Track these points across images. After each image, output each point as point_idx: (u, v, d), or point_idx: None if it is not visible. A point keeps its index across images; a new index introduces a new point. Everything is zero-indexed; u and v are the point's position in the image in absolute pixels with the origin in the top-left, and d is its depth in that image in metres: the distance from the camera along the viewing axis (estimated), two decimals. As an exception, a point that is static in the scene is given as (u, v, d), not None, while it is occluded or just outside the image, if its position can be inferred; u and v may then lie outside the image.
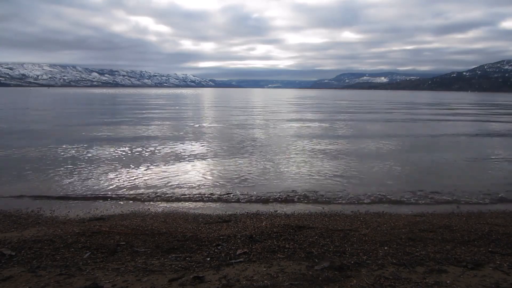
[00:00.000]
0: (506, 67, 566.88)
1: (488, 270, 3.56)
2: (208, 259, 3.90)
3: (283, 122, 20.71)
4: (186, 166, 10.81)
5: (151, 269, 3.60)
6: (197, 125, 21.04)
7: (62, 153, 12.51)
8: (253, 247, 4.26)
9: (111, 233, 4.86)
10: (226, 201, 7.61)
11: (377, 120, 26.24)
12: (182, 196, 7.87)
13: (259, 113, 33.18)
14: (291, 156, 12.42)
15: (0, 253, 3.97)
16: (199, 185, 8.74)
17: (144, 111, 34.80)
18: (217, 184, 8.85)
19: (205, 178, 9.42)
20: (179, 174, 9.79)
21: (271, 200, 7.65)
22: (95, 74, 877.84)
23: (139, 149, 13.57)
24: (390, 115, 33.19)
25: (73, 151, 12.89)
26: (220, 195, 7.97)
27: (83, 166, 10.57)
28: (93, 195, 7.86)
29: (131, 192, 8.10)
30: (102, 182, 8.90)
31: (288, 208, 7.07)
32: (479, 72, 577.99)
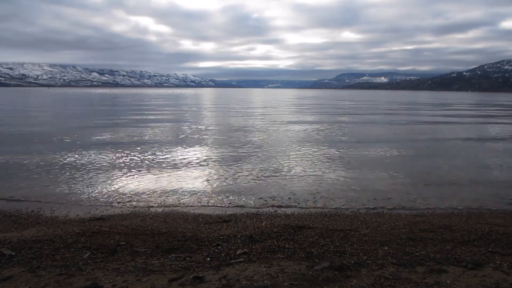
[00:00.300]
0: (506, 67, 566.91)
1: (488, 270, 3.55)
2: (208, 259, 3.90)
3: (284, 124, 20.64)
4: (186, 167, 10.80)
5: (151, 269, 3.60)
6: (196, 127, 21.02)
7: (62, 154, 12.50)
8: (253, 247, 4.26)
9: (111, 233, 4.86)
10: (226, 201, 7.61)
11: (379, 122, 25.18)
12: (182, 196, 7.87)
13: (259, 115, 33.19)
14: (291, 160, 12.41)
15: (0, 253, 3.97)
16: (199, 185, 8.74)
17: (144, 112, 34.81)
18: (217, 185, 8.85)
19: (205, 178, 9.41)
20: (179, 174, 9.79)
21: (270, 202, 7.65)
22: (95, 74, 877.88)
23: (139, 149, 13.57)
24: (392, 116, 31.98)
25: (73, 152, 12.89)
26: (220, 195, 7.98)
27: (83, 166, 10.56)
28: (93, 195, 7.86)
29: (131, 192, 8.10)
30: (102, 182, 8.89)
31: (288, 208, 7.08)
32: (479, 72, 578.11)
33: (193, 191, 8.26)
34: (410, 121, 26.67)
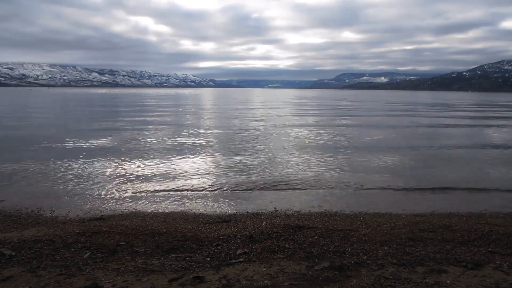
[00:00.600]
0: (506, 67, 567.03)
1: (488, 270, 3.55)
2: (208, 259, 3.90)
3: (284, 127, 20.52)
4: (186, 168, 10.81)
5: (151, 269, 3.60)
6: (195, 131, 20.99)
7: (63, 155, 12.51)
8: (253, 247, 4.25)
9: (111, 233, 4.86)
10: (226, 201, 7.61)
11: (380, 125, 23.79)
12: (182, 196, 7.87)
13: (260, 116, 33.21)
14: (290, 163, 12.39)
15: (0, 253, 3.97)
16: (199, 186, 8.75)
17: (143, 113, 34.82)
18: (218, 185, 8.85)
19: (205, 178, 9.42)
20: (180, 175, 9.79)
21: (270, 202, 7.65)
22: (95, 74, 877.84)
23: (139, 150, 13.58)
24: (395, 118, 30.31)
25: (73, 152, 12.90)
26: (220, 196, 7.98)
27: (83, 167, 10.56)
28: (93, 196, 7.86)
29: (132, 193, 8.10)
30: (102, 183, 8.90)
31: (288, 209, 7.07)
32: (479, 72, 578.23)
33: (193, 191, 8.26)
34: (412, 123, 26.15)
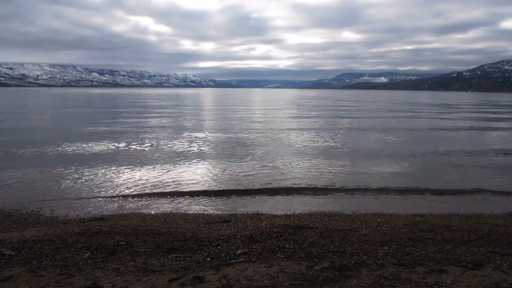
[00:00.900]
0: (506, 67, 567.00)
1: (488, 270, 3.55)
2: (208, 259, 3.90)
3: (284, 129, 20.44)
4: (186, 168, 10.81)
5: (151, 269, 3.60)
6: (195, 131, 20.97)
7: (63, 155, 12.51)
8: (253, 247, 4.25)
9: (111, 233, 4.86)
10: (226, 201, 7.61)
11: (381, 128, 22.40)
12: (182, 196, 7.87)
13: (259, 117, 33.23)
14: (292, 167, 12.39)
15: (0, 253, 3.97)
16: (200, 186, 8.75)
17: (143, 114, 34.82)
18: (217, 186, 8.85)
19: (205, 179, 9.42)
20: (180, 176, 9.79)
21: (270, 202, 7.65)
22: (95, 74, 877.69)
23: (139, 151, 13.57)
24: (395, 120, 28.75)
25: (73, 153, 12.89)
26: (220, 196, 7.98)
27: (83, 167, 10.56)
28: (93, 196, 7.86)
29: (131, 193, 8.10)
30: (102, 183, 8.90)
31: (288, 208, 7.08)
32: (479, 72, 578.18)
33: (193, 191, 8.26)
34: (412, 124, 25.80)
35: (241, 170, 10.19)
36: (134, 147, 14.01)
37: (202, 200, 7.67)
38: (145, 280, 3.32)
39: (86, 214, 6.68)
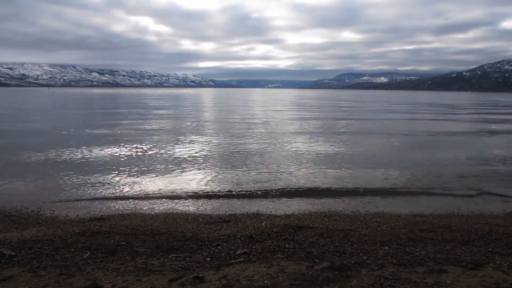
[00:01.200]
0: (506, 67, 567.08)
1: (488, 270, 3.55)
2: (208, 259, 3.90)
3: (284, 130, 20.40)
4: (186, 168, 10.81)
5: (151, 269, 3.60)
6: (195, 131, 20.99)
7: (63, 156, 12.51)
8: (253, 247, 4.25)
9: (111, 233, 4.86)
10: (226, 201, 7.61)
11: (382, 127, 22.42)
12: (182, 197, 7.87)
13: (259, 118, 33.24)
14: (292, 168, 12.38)
15: (0, 253, 3.97)
16: (199, 186, 8.75)
17: (143, 114, 34.84)
18: (218, 186, 8.85)
19: (205, 179, 9.42)
20: (180, 176, 9.79)
21: (270, 202, 7.65)
22: (95, 74, 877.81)
23: (138, 152, 13.57)
24: (396, 122, 27.71)
25: (73, 153, 12.89)
26: (220, 196, 7.98)
27: (83, 167, 10.57)
28: (93, 196, 7.86)
29: (131, 193, 8.10)
30: (102, 183, 8.90)
31: (288, 208, 7.08)
32: (479, 72, 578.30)
33: (193, 191, 8.26)
34: (413, 125, 25.73)
35: (241, 171, 10.19)
36: (135, 147, 14.02)
37: (202, 200, 7.67)
38: (145, 280, 3.32)
39: (86, 214, 6.68)
